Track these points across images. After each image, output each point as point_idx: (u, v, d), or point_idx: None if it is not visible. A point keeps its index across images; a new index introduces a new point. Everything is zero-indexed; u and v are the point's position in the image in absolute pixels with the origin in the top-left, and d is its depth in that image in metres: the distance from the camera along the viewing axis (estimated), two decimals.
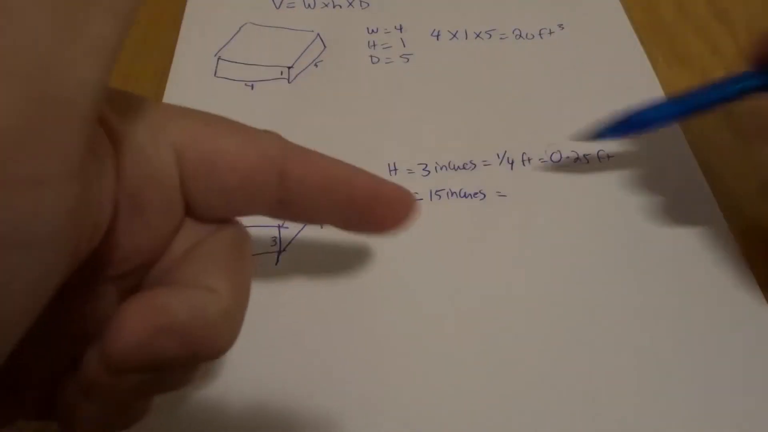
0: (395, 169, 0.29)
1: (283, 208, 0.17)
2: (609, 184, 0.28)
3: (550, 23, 0.35)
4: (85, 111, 0.11)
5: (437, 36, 0.35)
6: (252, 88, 0.32)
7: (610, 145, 0.29)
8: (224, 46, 0.34)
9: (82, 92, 0.11)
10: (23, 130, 0.10)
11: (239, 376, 0.22)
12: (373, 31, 0.35)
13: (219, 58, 0.33)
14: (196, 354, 0.15)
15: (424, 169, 0.29)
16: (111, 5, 0.12)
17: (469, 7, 0.36)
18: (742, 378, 0.23)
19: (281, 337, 0.23)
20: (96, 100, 0.12)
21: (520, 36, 0.35)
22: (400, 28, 0.35)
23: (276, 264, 0.25)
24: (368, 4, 0.37)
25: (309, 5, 0.36)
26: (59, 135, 0.11)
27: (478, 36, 0.35)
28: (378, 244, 0.26)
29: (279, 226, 0.26)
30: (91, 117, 0.12)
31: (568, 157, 0.29)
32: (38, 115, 0.10)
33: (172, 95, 0.31)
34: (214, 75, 0.32)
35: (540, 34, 0.35)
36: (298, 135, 0.30)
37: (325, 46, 0.34)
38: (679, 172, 0.29)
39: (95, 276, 0.16)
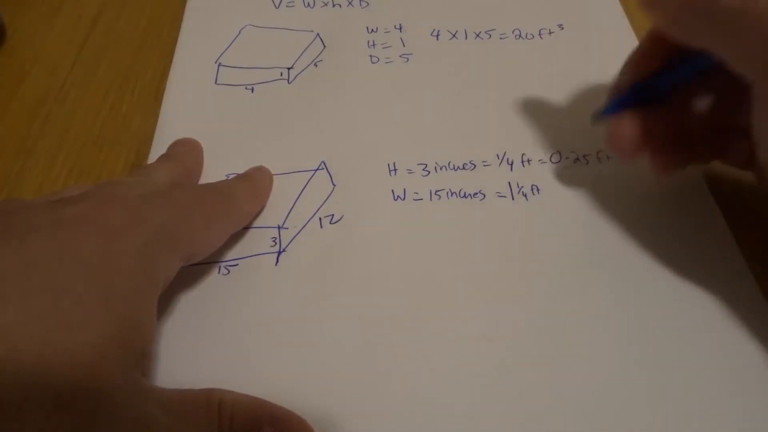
0: (395, 169, 0.29)
1: None
2: (608, 185, 0.28)
3: (550, 23, 0.35)
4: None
5: (437, 36, 0.35)
6: (252, 91, 0.32)
7: None
8: (224, 51, 0.34)
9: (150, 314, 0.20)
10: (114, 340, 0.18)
11: (240, 373, 0.22)
12: (372, 30, 0.35)
13: (219, 65, 0.33)
14: None
15: (424, 169, 0.29)
16: (177, 254, 0.21)
17: (469, 7, 0.36)
18: (742, 375, 0.23)
19: (281, 336, 0.23)
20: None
21: (520, 36, 0.35)
22: (400, 28, 0.35)
23: (276, 264, 0.25)
24: (368, 4, 0.37)
25: (308, 4, 0.37)
26: (135, 342, 0.19)
27: (478, 36, 0.35)
28: (377, 244, 0.26)
29: (279, 227, 0.26)
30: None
31: (567, 158, 0.29)
32: (121, 333, 0.18)
33: (174, 103, 0.31)
34: (215, 83, 0.32)
35: (540, 34, 0.35)
36: (298, 135, 0.30)
37: (324, 46, 0.34)
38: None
39: None
